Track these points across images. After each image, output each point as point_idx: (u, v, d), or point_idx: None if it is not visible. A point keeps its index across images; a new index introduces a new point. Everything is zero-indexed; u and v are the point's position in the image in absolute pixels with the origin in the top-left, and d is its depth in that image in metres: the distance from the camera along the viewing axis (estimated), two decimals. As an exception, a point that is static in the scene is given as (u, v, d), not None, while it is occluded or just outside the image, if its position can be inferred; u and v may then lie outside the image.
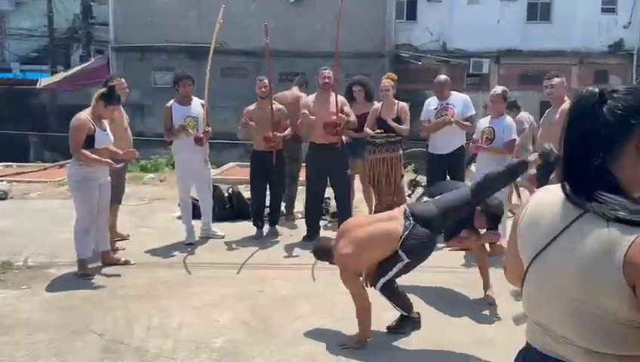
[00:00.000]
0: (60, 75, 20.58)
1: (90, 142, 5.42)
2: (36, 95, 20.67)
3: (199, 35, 16.79)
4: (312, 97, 6.88)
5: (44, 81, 20.28)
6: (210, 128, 6.60)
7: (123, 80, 6.57)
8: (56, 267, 5.82)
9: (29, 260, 6.01)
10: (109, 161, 5.51)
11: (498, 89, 6.33)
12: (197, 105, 6.61)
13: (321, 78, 6.71)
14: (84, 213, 5.53)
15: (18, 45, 23.95)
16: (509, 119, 6.26)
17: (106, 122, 5.64)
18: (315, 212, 6.95)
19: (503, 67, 19.82)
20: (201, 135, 6.47)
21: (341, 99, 6.77)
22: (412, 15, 20.19)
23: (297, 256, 6.28)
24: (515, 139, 6.19)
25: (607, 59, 19.97)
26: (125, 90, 6.55)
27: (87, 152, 5.39)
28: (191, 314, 4.64)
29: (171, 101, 6.62)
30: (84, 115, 5.48)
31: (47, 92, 20.32)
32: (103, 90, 5.64)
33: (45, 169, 11.93)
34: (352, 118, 6.71)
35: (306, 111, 6.58)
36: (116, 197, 6.31)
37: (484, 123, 6.30)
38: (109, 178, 5.73)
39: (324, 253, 4.31)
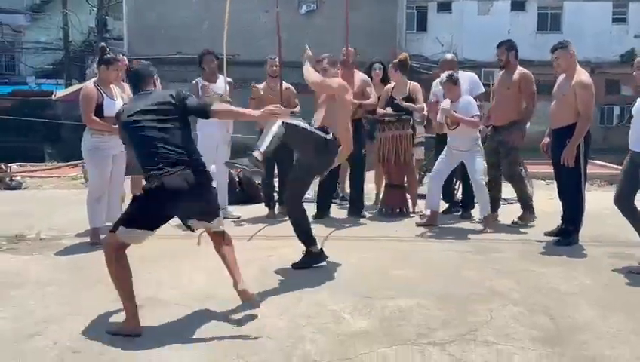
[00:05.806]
0: (74, 87, 20.90)
1: (99, 111, 5.49)
2: (51, 106, 20.95)
3: (212, 47, 16.97)
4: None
5: (59, 93, 20.59)
6: (230, 100, 6.63)
7: (124, 57, 6.62)
8: (67, 238, 5.86)
9: (41, 233, 6.06)
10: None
11: (443, 76, 6.30)
12: (222, 82, 6.72)
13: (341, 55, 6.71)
14: (96, 183, 5.62)
15: (34, 59, 24.37)
16: (465, 98, 6.18)
17: (117, 91, 5.70)
18: (328, 190, 6.96)
19: (513, 77, 19.86)
20: None
21: (363, 78, 6.79)
22: (422, 26, 20.39)
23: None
24: (478, 115, 6.09)
25: (618, 69, 19.99)
26: (125, 64, 6.35)
27: (97, 119, 5.48)
28: (200, 274, 4.65)
29: (198, 78, 6.80)
30: (91, 83, 5.59)
31: (62, 103, 20.60)
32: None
33: (59, 168, 12.06)
34: (372, 99, 6.70)
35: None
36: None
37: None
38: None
39: None
